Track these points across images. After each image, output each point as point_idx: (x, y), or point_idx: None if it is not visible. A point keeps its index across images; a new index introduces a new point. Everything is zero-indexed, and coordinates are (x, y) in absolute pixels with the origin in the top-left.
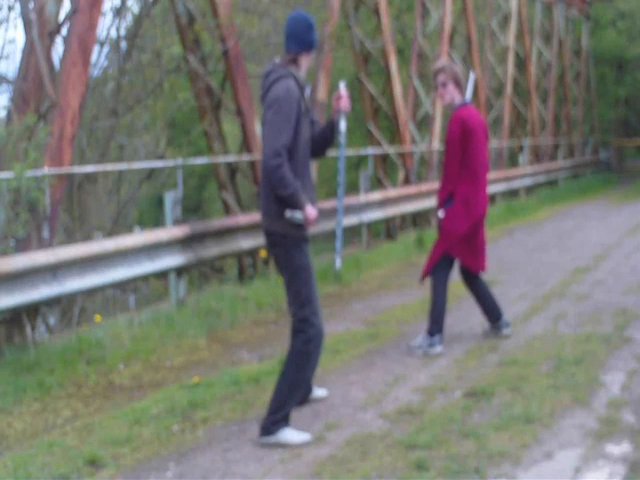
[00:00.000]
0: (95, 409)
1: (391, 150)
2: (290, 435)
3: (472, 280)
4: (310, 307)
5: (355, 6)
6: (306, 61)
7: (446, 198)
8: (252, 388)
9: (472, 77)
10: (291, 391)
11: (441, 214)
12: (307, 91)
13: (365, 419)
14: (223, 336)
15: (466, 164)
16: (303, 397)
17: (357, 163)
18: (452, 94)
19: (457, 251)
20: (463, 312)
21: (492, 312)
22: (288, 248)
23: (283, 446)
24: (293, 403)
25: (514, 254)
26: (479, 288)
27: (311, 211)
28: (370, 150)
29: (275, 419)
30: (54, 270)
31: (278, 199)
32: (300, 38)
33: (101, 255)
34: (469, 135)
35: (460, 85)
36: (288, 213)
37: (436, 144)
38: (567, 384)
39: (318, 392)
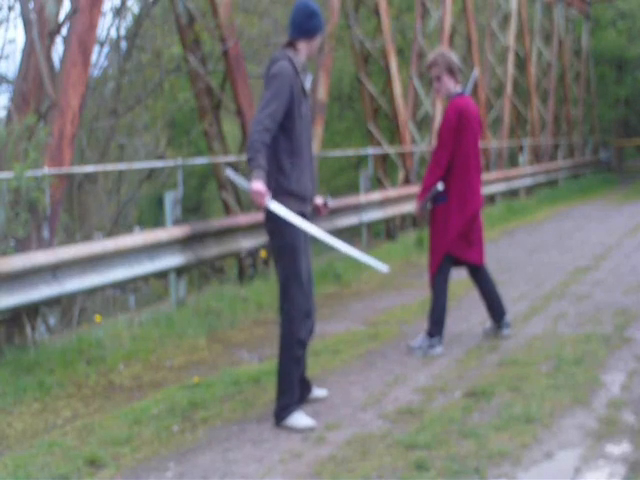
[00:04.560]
0: (95, 409)
1: (391, 150)
2: (297, 419)
3: (478, 275)
4: (296, 285)
5: (355, 6)
6: (306, 47)
7: (433, 184)
8: (252, 388)
9: (474, 74)
10: (288, 373)
11: (429, 205)
12: (307, 77)
13: (365, 419)
14: (223, 336)
15: (458, 156)
16: (302, 396)
17: (357, 163)
18: (447, 86)
19: (456, 249)
20: (463, 312)
21: (496, 310)
22: (281, 223)
23: (284, 444)
24: (294, 385)
25: (514, 254)
26: (485, 284)
27: (257, 186)
28: (370, 150)
29: (281, 405)
30: (54, 270)
31: (275, 174)
32: (299, 24)
33: (101, 255)
34: (465, 125)
35: (454, 73)
36: (230, 174)
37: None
38: (567, 384)
39: (318, 392)
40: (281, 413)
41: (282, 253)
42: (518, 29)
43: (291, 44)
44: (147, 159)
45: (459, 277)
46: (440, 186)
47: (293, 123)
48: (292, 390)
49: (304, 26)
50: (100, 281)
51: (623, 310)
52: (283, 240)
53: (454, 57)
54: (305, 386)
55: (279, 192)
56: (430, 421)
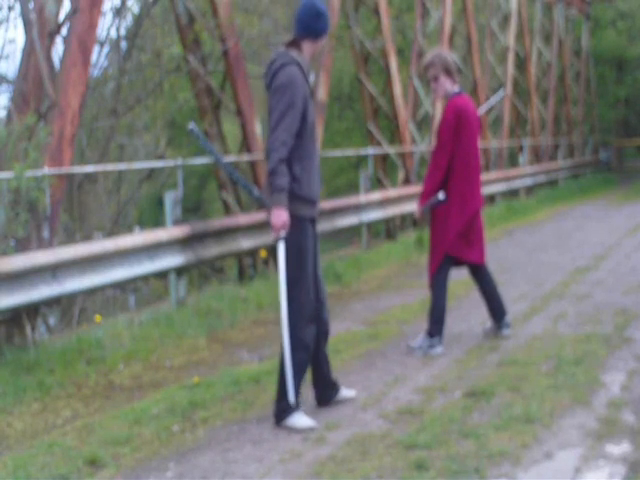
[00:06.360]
0: (95, 409)
1: (391, 150)
2: (296, 420)
3: (479, 274)
4: (301, 288)
5: (355, 6)
6: (310, 48)
7: (435, 188)
8: (252, 388)
9: (501, 93)
10: (290, 375)
11: (427, 208)
12: (311, 77)
13: (365, 419)
14: (223, 336)
15: (458, 156)
16: (330, 397)
17: (357, 163)
18: (444, 86)
19: (455, 250)
20: (463, 312)
21: (496, 310)
22: (289, 226)
23: (284, 444)
24: (296, 388)
25: (514, 254)
26: (486, 284)
27: (279, 217)
28: (370, 150)
29: (282, 407)
30: (54, 270)
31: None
32: (306, 24)
33: (101, 255)
34: (463, 125)
35: (452, 73)
36: (256, 192)
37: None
38: (567, 384)
39: (346, 393)
40: (281, 414)
41: (288, 256)
42: (518, 29)
43: (294, 43)
44: (147, 159)
45: (459, 277)
46: (441, 195)
47: (304, 128)
48: (293, 392)
49: (311, 26)
50: (100, 281)
51: (623, 310)
52: (290, 243)
53: (451, 57)
54: (332, 387)
55: (291, 198)
56: (430, 421)
